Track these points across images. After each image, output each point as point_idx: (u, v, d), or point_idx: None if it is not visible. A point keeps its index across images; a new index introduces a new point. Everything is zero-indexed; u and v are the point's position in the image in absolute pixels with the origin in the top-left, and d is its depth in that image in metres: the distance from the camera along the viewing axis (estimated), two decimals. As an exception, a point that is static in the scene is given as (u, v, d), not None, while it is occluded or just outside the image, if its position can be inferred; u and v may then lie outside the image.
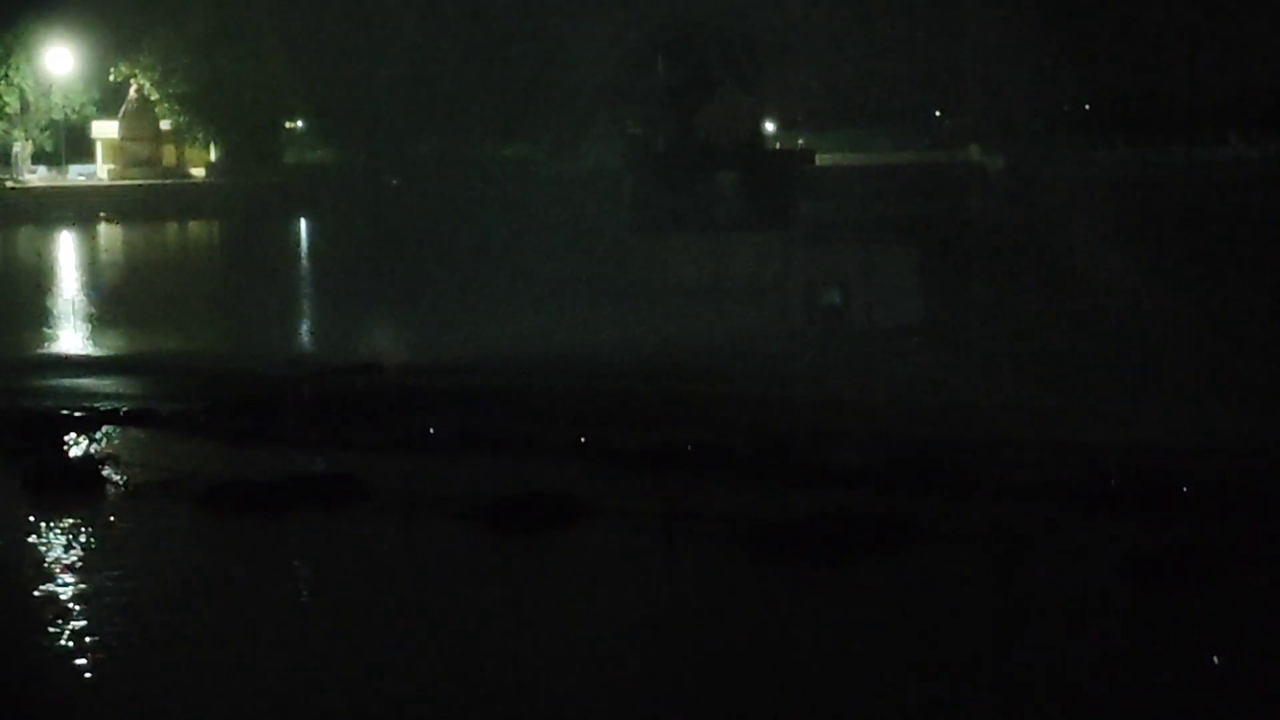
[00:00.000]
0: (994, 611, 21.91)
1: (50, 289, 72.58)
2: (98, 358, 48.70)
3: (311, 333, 55.90)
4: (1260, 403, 32.85)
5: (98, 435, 34.28)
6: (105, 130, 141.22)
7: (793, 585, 23.49)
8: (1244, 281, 54.51)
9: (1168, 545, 23.43)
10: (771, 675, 19.68)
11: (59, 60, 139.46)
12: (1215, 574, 22.63)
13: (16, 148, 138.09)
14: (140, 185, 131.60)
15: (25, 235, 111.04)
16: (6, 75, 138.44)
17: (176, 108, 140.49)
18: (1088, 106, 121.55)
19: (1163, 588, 22.43)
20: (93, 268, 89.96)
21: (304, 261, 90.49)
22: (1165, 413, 32.25)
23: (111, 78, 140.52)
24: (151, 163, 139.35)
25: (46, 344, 52.11)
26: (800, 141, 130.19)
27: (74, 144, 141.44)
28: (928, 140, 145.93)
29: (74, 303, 66.92)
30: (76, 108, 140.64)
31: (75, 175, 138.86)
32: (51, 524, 26.90)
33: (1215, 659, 18.32)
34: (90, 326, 57.19)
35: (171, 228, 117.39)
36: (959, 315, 48.99)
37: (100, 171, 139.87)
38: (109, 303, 66.17)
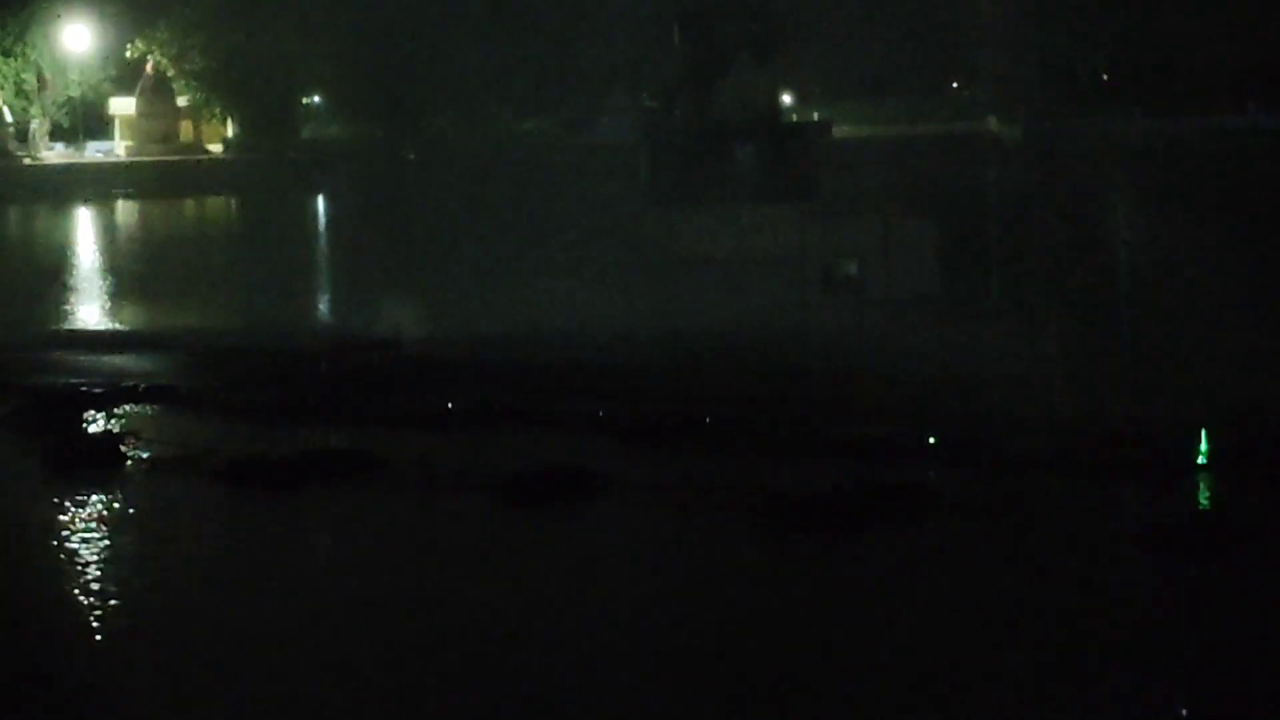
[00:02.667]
0: (1010, 580, 21.94)
1: (68, 266, 72.70)
2: (116, 334, 48.77)
3: (329, 308, 55.94)
4: (1274, 374, 32.83)
5: (117, 412, 34.34)
6: (122, 107, 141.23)
7: (809, 556, 23.53)
8: (1262, 253, 54.39)
9: (1183, 516, 23.43)
10: (785, 645, 19.71)
11: (76, 37, 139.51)
12: (1230, 544, 22.62)
13: (34, 125, 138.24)
14: (157, 161, 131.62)
15: (43, 212, 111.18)
16: (24, 52, 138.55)
17: (193, 84, 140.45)
18: (1105, 77, 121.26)
19: (1178, 557, 22.43)
20: (110, 244, 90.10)
21: (321, 237, 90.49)
22: (1181, 384, 32.25)
23: (128, 54, 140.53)
24: (169, 139, 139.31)
25: (66, 321, 52.21)
26: (816, 115, 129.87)
27: (91, 121, 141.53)
28: (945, 112, 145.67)
29: (92, 279, 67.04)
30: (93, 84, 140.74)
31: (93, 152, 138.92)
32: (72, 499, 26.99)
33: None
34: (108, 303, 57.28)
35: (189, 204, 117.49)
36: (977, 287, 48.94)
37: (118, 148, 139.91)
38: (127, 279, 66.28)
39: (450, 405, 33.28)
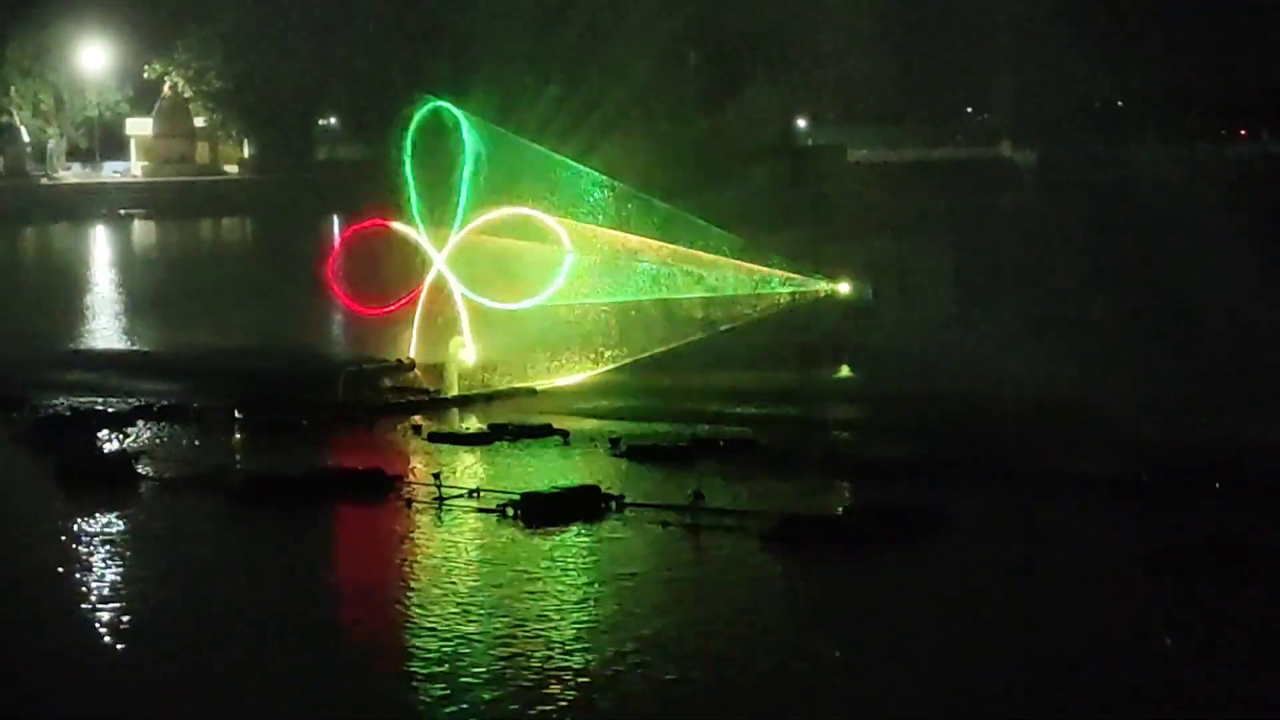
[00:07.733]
0: (1011, 602, 21.93)
1: (84, 285, 72.95)
2: (131, 353, 48.94)
3: (343, 329, 55.87)
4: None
5: (131, 430, 34.43)
6: (139, 127, 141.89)
7: (814, 577, 23.59)
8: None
9: (1194, 540, 23.40)
10: (780, 664, 19.73)
11: (93, 57, 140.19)
12: (1239, 569, 22.57)
13: (51, 144, 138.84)
14: (174, 182, 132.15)
15: (59, 231, 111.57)
16: (42, 72, 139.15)
17: (210, 105, 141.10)
18: (1120, 103, 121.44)
19: (1184, 582, 22.39)
20: (126, 264, 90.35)
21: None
22: (1198, 408, 32.25)
23: (145, 75, 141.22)
24: (185, 159, 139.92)
25: (80, 339, 52.35)
26: (825, 142, 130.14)
27: (108, 141, 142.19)
28: (960, 136, 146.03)
29: (108, 299, 67.26)
30: (110, 105, 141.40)
31: (110, 172, 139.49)
32: (84, 518, 27.05)
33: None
34: (124, 322, 57.44)
35: (205, 224, 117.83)
36: (991, 309, 48.95)
37: (134, 168, 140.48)
38: (142, 299, 66.47)
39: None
